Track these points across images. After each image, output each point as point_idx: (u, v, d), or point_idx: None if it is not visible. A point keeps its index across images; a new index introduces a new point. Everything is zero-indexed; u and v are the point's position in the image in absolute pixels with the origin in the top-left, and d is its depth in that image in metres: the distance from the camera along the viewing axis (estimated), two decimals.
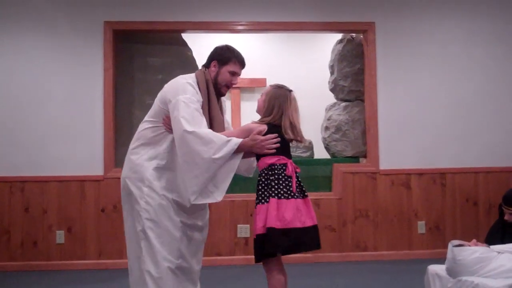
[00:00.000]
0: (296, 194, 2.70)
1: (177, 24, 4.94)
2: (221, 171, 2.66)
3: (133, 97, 5.22)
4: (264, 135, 2.72)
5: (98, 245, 4.81)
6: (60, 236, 4.76)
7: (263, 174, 2.75)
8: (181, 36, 5.41)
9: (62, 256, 4.78)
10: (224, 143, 2.65)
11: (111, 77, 4.85)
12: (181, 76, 2.91)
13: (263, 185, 2.73)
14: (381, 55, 5.05)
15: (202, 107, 2.79)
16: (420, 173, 5.01)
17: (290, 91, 2.82)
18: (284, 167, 2.73)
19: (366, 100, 5.10)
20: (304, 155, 5.40)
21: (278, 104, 2.77)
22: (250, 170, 3.08)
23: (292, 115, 2.77)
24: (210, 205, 4.19)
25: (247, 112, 6.19)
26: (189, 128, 2.64)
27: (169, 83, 2.89)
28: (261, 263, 2.73)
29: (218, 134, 2.69)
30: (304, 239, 2.68)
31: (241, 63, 2.95)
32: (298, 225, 2.65)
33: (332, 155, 5.32)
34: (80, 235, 4.79)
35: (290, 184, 2.71)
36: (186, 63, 5.28)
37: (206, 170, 2.63)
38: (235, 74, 2.93)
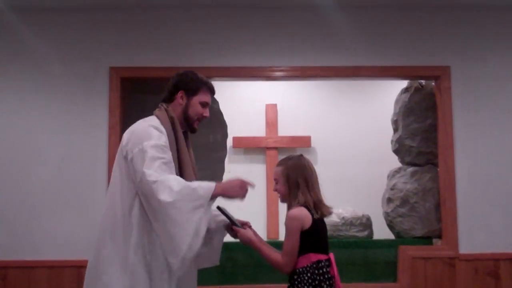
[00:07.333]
0: None
1: (200, 70, 4.37)
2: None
3: None
4: (311, 226, 2.59)
5: None
6: None
7: (308, 274, 2.59)
8: None
9: None
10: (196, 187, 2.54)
11: (118, 135, 4.44)
12: (140, 120, 2.79)
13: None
14: (458, 107, 4.69)
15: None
16: None
17: (300, 155, 2.77)
18: (328, 264, 2.63)
19: (441, 164, 4.73)
20: (361, 235, 4.91)
21: (301, 177, 2.67)
22: (216, 259, 2.91)
23: (316, 188, 2.68)
24: None
25: None
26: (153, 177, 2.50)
27: (127, 131, 2.76)
28: None
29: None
30: None
31: (212, 90, 2.91)
32: None
33: (397, 234, 4.92)
34: None
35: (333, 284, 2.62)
36: (211, 117, 4.88)
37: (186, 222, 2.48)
38: (206, 105, 2.87)
